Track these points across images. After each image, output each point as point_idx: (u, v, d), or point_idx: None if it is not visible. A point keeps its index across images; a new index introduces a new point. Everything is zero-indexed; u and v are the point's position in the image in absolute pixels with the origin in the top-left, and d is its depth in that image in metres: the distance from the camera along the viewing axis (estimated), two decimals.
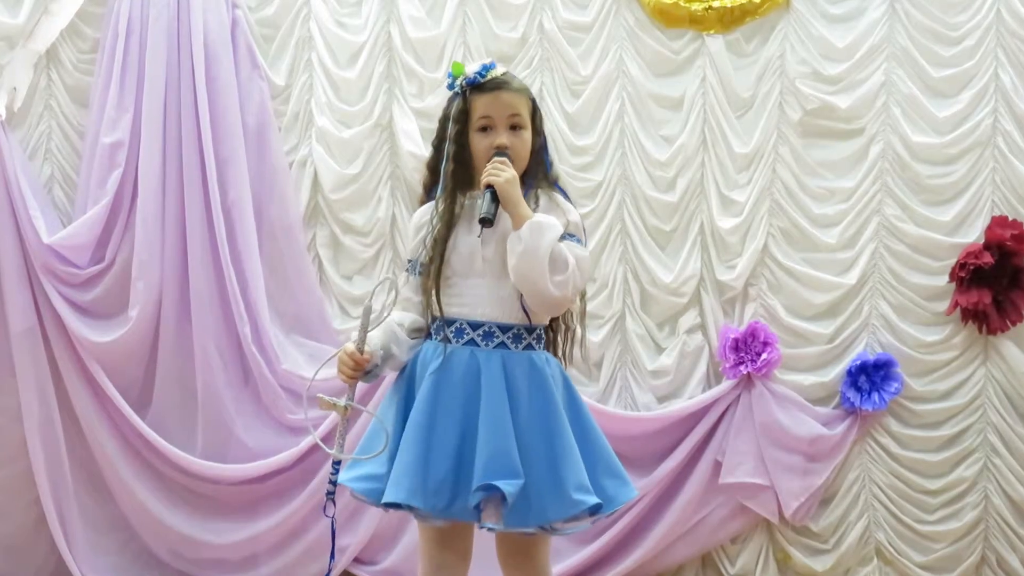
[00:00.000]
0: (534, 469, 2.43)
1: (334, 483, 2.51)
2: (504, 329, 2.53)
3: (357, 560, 4.14)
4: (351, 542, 4.09)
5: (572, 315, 2.71)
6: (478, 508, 2.44)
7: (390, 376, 2.73)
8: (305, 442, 4.06)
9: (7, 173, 3.98)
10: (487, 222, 2.47)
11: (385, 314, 2.54)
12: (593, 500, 2.45)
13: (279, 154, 4.18)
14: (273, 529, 4.10)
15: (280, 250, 4.19)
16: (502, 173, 2.50)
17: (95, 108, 4.08)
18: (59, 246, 3.99)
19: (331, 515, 2.48)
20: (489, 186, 2.49)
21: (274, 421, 4.15)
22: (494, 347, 2.52)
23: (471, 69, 2.61)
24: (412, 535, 4.06)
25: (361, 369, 2.55)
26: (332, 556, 2.65)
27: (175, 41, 4.08)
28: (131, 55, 4.07)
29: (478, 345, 2.51)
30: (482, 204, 2.49)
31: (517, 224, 2.47)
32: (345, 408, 2.50)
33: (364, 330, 2.52)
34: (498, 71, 2.62)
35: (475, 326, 2.52)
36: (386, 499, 2.44)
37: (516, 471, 2.40)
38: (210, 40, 4.08)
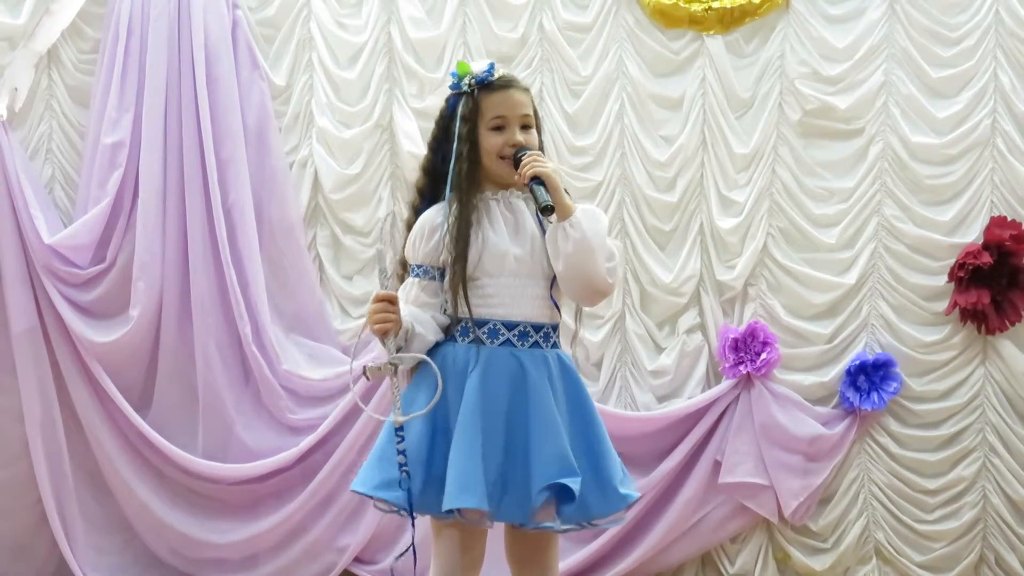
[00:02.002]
0: (580, 467, 2.43)
1: (403, 452, 2.39)
2: (536, 328, 2.52)
3: (357, 560, 4.15)
4: (351, 542, 4.09)
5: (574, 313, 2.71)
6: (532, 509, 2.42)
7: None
8: (305, 441, 4.07)
9: (8, 173, 3.98)
10: (551, 210, 2.45)
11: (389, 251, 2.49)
12: (636, 494, 2.50)
13: (279, 154, 4.18)
14: (273, 529, 4.10)
15: (280, 250, 4.19)
16: (547, 163, 2.50)
17: (96, 108, 4.08)
18: (60, 246, 3.99)
19: (407, 487, 2.38)
20: (535, 177, 2.47)
21: (274, 421, 4.15)
22: (530, 346, 2.51)
23: (478, 68, 2.59)
24: (416, 534, 4.06)
25: (394, 306, 2.43)
26: (412, 522, 2.44)
27: (176, 42, 4.08)
28: (132, 55, 4.07)
29: (515, 345, 2.49)
30: (538, 194, 2.45)
31: (567, 213, 2.45)
32: (393, 365, 2.38)
33: (384, 273, 2.45)
34: (501, 70, 2.62)
35: (510, 326, 2.50)
36: (459, 504, 2.37)
37: (575, 470, 2.40)
38: (211, 40, 4.09)
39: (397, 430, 2.40)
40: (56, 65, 4.15)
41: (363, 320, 2.55)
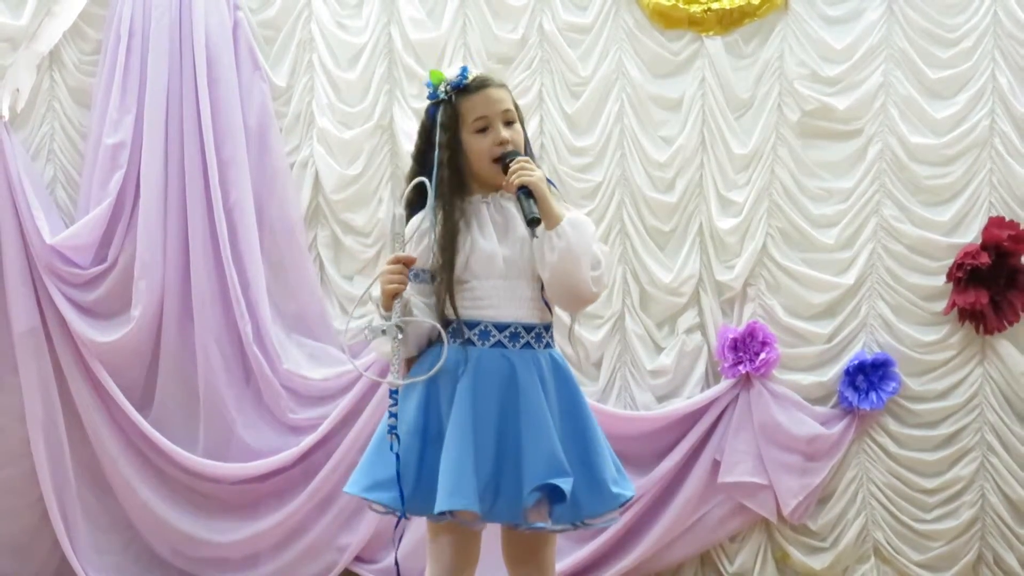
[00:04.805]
0: (572, 466, 2.43)
1: (394, 415, 2.41)
2: (528, 329, 2.53)
3: (358, 559, 4.16)
4: (351, 541, 4.11)
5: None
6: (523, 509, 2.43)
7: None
8: (306, 441, 4.09)
9: (10, 174, 3.99)
10: (537, 222, 2.45)
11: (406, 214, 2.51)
12: (630, 492, 2.49)
13: (280, 155, 4.19)
14: (274, 528, 4.11)
15: (281, 250, 4.20)
16: (534, 172, 2.49)
17: (97, 109, 4.09)
18: (62, 246, 4.00)
19: (396, 451, 2.39)
20: (522, 187, 2.47)
21: (275, 420, 4.16)
22: (521, 347, 2.52)
23: (451, 74, 2.59)
24: (413, 534, 4.06)
25: (409, 268, 2.45)
26: (402, 504, 2.42)
27: (177, 43, 4.09)
28: (133, 56, 4.08)
29: (506, 346, 2.50)
30: (525, 206, 2.46)
31: (553, 222, 2.45)
32: (398, 328, 2.40)
33: (399, 237, 2.46)
34: (474, 72, 2.62)
35: (501, 327, 2.51)
36: (449, 506, 2.37)
37: (566, 470, 2.41)
38: (212, 42, 4.10)
39: (392, 393, 2.42)
40: (58, 66, 4.16)
41: (371, 301, 2.55)
